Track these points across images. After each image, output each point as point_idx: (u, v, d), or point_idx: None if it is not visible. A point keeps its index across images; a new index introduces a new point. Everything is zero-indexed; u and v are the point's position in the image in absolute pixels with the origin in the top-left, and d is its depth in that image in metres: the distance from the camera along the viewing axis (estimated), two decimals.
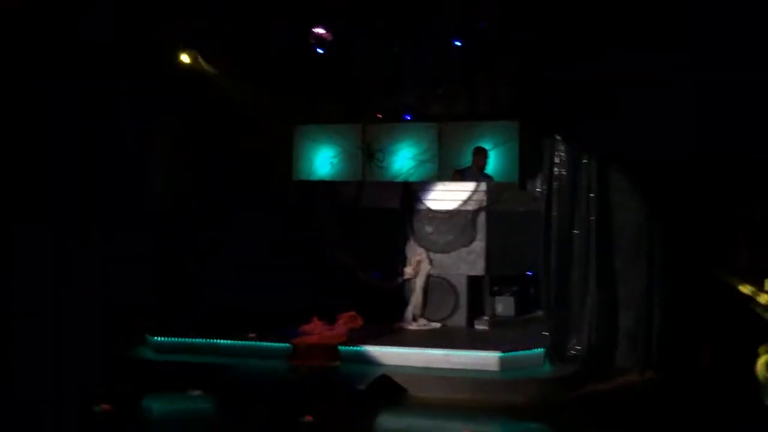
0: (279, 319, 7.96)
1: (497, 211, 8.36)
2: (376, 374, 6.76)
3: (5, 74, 6.96)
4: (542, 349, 7.21)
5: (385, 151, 10.89)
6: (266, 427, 6.00)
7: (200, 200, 9.00)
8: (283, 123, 10.83)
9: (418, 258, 8.39)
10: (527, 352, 7.15)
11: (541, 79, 7.78)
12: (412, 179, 10.20)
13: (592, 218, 7.17)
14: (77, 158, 7.47)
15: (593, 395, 6.71)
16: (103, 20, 7.27)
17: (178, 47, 8.61)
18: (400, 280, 8.46)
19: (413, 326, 8.22)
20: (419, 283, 8.33)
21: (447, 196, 8.49)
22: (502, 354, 6.95)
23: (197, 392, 6.60)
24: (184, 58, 8.84)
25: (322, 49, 9.13)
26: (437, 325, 8.29)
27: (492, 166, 9.78)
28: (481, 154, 9.55)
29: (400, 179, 10.40)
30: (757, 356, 5.90)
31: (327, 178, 10.76)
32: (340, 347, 7.25)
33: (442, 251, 8.41)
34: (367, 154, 10.94)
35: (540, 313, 7.90)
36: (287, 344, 7.32)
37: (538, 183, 7.72)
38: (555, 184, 7.32)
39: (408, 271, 8.41)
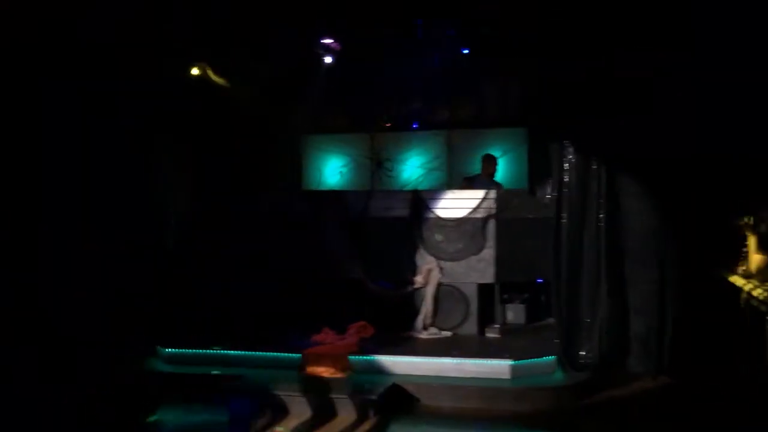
0: (289, 329, 7.97)
1: (507, 218, 8.34)
2: (387, 384, 6.75)
3: (5, 74, 6.99)
4: (554, 357, 7.17)
5: (394, 159, 10.92)
6: None
7: (201, 202, 9.03)
8: (291, 133, 10.88)
9: (428, 266, 8.38)
10: (539, 359, 7.12)
11: (543, 80, 7.79)
12: (421, 188, 10.20)
13: (602, 224, 7.14)
14: (77, 158, 7.48)
15: (606, 402, 6.68)
16: (104, 20, 7.28)
17: (186, 54, 8.61)
18: (410, 288, 8.45)
19: (424, 335, 8.20)
20: (430, 291, 8.32)
21: (456, 204, 8.48)
22: (514, 362, 6.92)
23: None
24: (194, 71, 8.87)
25: (329, 59, 9.17)
26: (448, 333, 8.27)
27: (501, 173, 9.77)
28: (490, 162, 9.54)
29: (409, 188, 10.41)
30: None
31: (336, 188, 10.78)
32: (351, 357, 7.24)
33: (452, 259, 8.39)
34: (376, 163, 10.96)
35: (551, 320, 7.87)
36: (298, 354, 7.32)
37: (548, 189, 7.71)
38: (564, 190, 7.30)
39: (418, 279, 8.40)
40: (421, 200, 8.59)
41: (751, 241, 6.88)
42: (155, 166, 8.59)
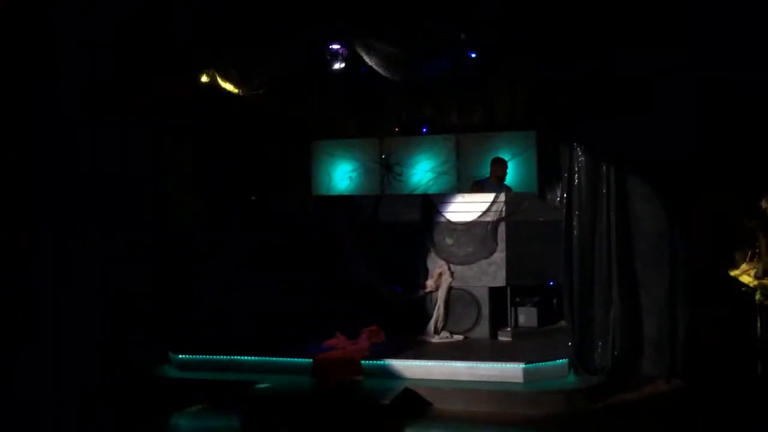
0: (301, 335, 7.99)
1: (517, 221, 8.33)
2: (399, 388, 6.75)
3: (5, 73, 7.02)
4: (566, 360, 7.16)
5: (403, 164, 10.92)
6: None
7: (204, 202, 9.07)
8: (300, 138, 10.91)
9: (439, 270, 8.37)
10: (551, 363, 7.10)
11: (544, 80, 7.78)
12: (430, 192, 10.19)
13: (612, 226, 7.12)
14: (77, 158, 7.50)
15: (620, 405, 6.65)
16: (105, 20, 7.30)
17: (189, 56, 8.60)
18: (421, 293, 8.44)
19: (436, 339, 8.19)
20: (441, 295, 8.31)
21: (466, 208, 8.47)
22: (526, 365, 6.91)
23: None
24: (204, 78, 8.89)
25: (338, 64, 9.17)
26: (460, 337, 8.26)
27: (511, 176, 9.76)
28: (500, 165, 9.53)
29: (418, 192, 10.42)
30: None
31: (346, 193, 10.79)
32: (363, 362, 7.24)
33: (463, 263, 8.38)
34: (386, 167, 10.97)
35: (563, 323, 7.85)
36: (310, 359, 7.32)
37: (558, 192, 7.70)
38: (574, 192, 7.28)
39: (429, 283, 8.39)
40: (431, 204, 8.59)
41: (762, 242, 6.86)
42: (156, 167, 8.62)
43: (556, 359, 7.15)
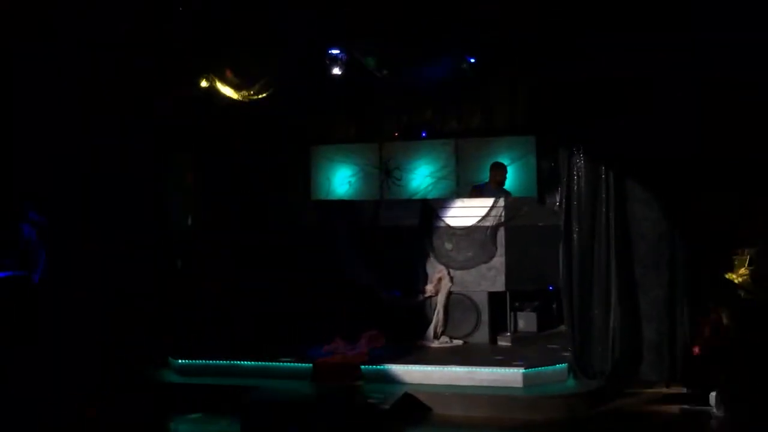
0: (301, 339, 7.98)
1: (516, 226, 8.34)
2: (399, 393, 6.74)
3: (5, 73, 7.03)
4: (566, 365, 7.16)
5: (403, 169, 10.93)
6: None
7: (204, 202, 9.07)
8: (299, 142, 10.91)
9: (438, 275, 8.37)
10: (551, 367, 7.11)
11: (544, 81, 7.79)
12: (430, 196, 10.20)
13: (612, 230, 7.12)
14: (77, 158, 7.51)
15: (619, 410, 6.65)
16: (105, 20, 7.31)
17: (189, 58, 8.61)
18: (421, 297, 8.44)
19: (435, 344, 8.20)
20: (440, 300, 8.31)
21: (466, 213, 8.47)
22: (526, 370, 6.91)
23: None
24: (203, 84, 8.90)
25: (337, 69, 9.18)
26: (459, 342, 8.26)
27: (510, 181, 9.76)
28: (499, 170, 9.52)
29: (418, 197, 10.42)
30: None
31: (345, 198, 10.80)
32: (362, 366, 7.24)
33: (463, 268, 8.38)
34: (385, 172, 10.98)
35: (562, 327, 7.85)
36: (309, 364, 7.32)
37: (557, 197, 7.70)
38: (573, 196, 7.29)
39: (429, 288, 8.39)
40: (430, 209, 8.59)
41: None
42: (156, 166, 8.62)
43: (555, 364, 7.16)
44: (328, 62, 9.11)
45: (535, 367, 7.01)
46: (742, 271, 7.20)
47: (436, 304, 8.32)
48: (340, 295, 8.42)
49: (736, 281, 7.20)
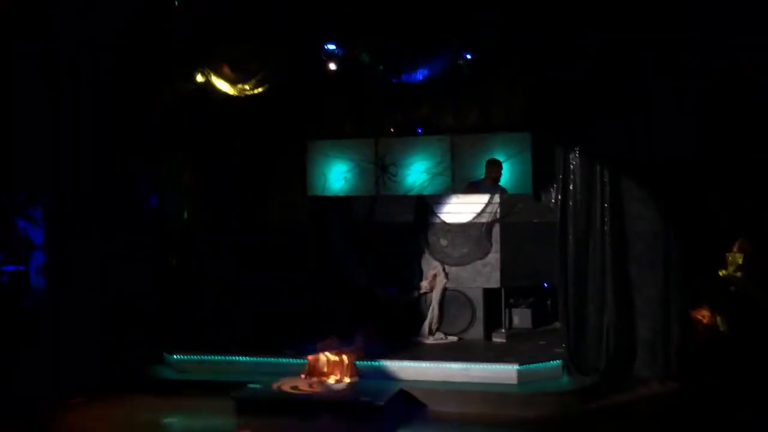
0: (296, 335, 7.98)
1: (512, 222, 8.34)
2: (394, 389, 6.75)
3: (5, 72, 7.02)
4: (560, 361, 7.18)
5: (399, 164, 10.91)
6: None
7: (204, 202, 9.04)
8: (295, 139, 10.89)
9: (433, 271, 8.38)
10: (545, 364, 7.13)
11: (544, 81, 7.79)
12: (425, 192, 10.19)
13: (607, 227, 7.14)
14: (77, 158, 7.50)
15: (613, 407, 6.67)
16: (105, 20, 7.30)
17: (187, 57, 8.59)
18: (416, 294, 8.45)
19: (430, 340, 8.20)
20: (435, 296, 8.32)
21: (461, 209, 8.47)
22: (520, 367, 6.92)
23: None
24: (199, 78, 8.88)
25: (334, 65, 9.16)
26: (454, 338, 8.27)
27: (505, 177, 9.76)
28: (495, 166, 9.52)
29: (413, 193, 10.41)
30: None
31: (341, 193, 10.79)
32: (357, 363, 7.24)
33: (458, 264, 8.39)
34: (381, 168, 10.97)
35: (557, 324, 7.87)
36: (304, 360, 7.32)
37: (553, 194, 7.71)
38: (569, 194, 7.30)
39: (424, 285, 8.40)
40: (425, 205, 8.60)
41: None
42: (156, 166, 8.61)
43: (550, 360, 7.18)
44: (324, 58, 9.09)
45: (529, 363, 7.03)
46: (736, 266, 7.22)
47: (431, 300, 8.33)
48: (339, 295, 8.42)
49: (728, 277, 7.22)
